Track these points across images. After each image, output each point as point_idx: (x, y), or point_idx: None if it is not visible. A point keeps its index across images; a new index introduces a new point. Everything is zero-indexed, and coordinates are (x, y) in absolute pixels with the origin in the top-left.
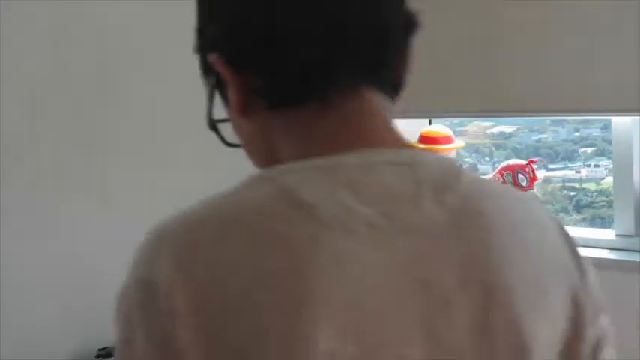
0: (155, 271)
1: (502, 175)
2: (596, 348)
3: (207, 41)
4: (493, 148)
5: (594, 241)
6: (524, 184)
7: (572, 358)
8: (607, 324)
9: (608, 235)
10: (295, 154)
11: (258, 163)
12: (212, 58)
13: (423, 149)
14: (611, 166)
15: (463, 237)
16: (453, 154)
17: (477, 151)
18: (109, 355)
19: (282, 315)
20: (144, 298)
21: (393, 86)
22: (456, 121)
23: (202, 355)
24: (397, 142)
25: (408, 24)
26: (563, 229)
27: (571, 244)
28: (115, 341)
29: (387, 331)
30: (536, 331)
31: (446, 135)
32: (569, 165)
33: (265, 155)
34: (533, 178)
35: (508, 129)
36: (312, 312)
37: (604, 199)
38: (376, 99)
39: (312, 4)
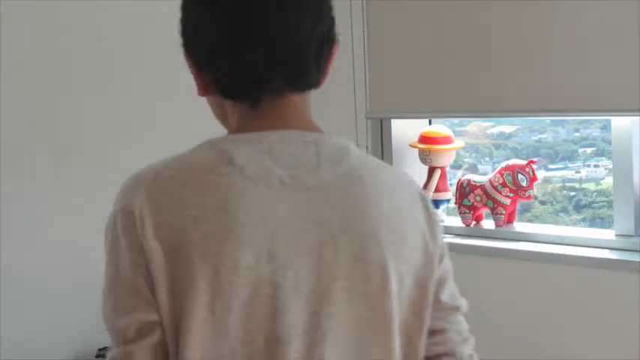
0: (132, 203)
1: (502, 175)
2: (442, 281)
3: (183, 43)
4: (493, 148)
5: (594, 241)
6: (524, 184)
7: (424, 288)
8: (449, 265)
9: (608, 235)
10: (237, 128)
11: (221, 124)
12: (185, 56)
13: (326, 132)
14: (611, 166)
15: (347, 196)
16: (452, 155)
17: (477, 151)
18: None
19: (217, 237)
20: (125, 221)
21: (311, 86)
22: (456, 121)
23: (162, 258)
24: (309, 127)
25: (325, 40)
26: (423, 195)
27: (426, 206)
28: (105, 254)
29: (290, 257)
30: (394, 265)
31: (446, 135)
32: (569, 165)
33: (223, 121)
34: (533, 178)
35: (508, 129)
36: (238, 238)
37: (604, 199)
38: (295, 98)
39: (250, 36)
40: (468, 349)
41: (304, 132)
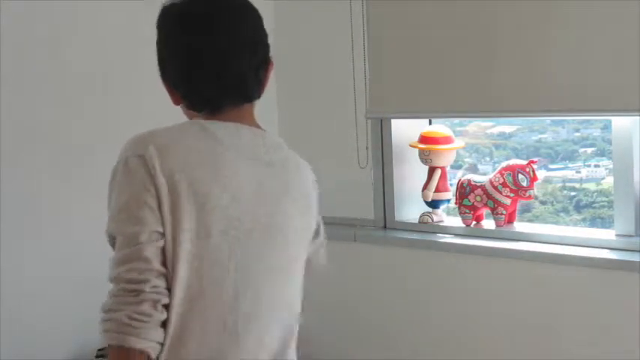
0: (142, 150)
1: (502, 175)
2: (318, 232)
3: (159, 67)
4: (493, 148)
5: (594, 241)
6: (524, 183)
7: (308, 241)
8: (320, 220)
9: (608, 235)
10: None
11: None
12: (161, 76)
13: (266, 130)
14: (611, 166)
15: (286, 173)
16: (453, 155)
17: (477, 151)
18: None
19: (205, 182)
20: (137, 161)
21: (254, 99)
22: (456, 121)
23: (166, 190)
24: (254, 126)
25: (260, 66)
26: (314, 179)
27: (316, 188)
28: (116, 187)
29: (251, 203)
30: (301, 221)
31: (446, 135)
32: (570, 165)
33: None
34: (534, 178)
35: (508, 129)
36: (220, 184)
37: (604, 199)
38: (243, 107)
39: (210, 66)
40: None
41: (252, 128)
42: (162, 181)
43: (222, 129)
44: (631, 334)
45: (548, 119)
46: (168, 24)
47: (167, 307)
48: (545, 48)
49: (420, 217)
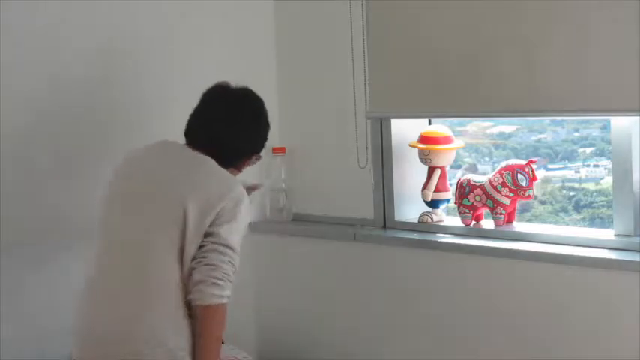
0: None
1: (502, 175)
2: (222, 224)
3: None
4: (492, 148)
5: (593, 241)
6: (523, 183)
7: (204, 218)
8: (239, 220)
9: (607, 235)
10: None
11: None
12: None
13: (205, 159)
14: (610, 166)
15: (189, 166)
16: (452, 155)
17: (476, 151)
18: None
19: (126, 168)
20: (114, 169)
21: (227, 160)
22: (456, 121)
23: (112, 175)
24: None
25: (242, 156)
26: (222, 175)
27: (231, 189)
28: None
29: (153, 182)
30: (195, 196)
31: (445, 135)
32: (569, 165)
33: None
34: (533, 178)
35: (508, 129)
36: (138, 172)
37: (603, 199)
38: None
39: (206, 127)
40: (223, 258)
41: (187, 148)
42: (116, 173)
43: (164, 144)
44: (630, 334)
45: (547, 119)
46: (206, 92)
47: None
48: (545, 48)
49: (420, 216)
